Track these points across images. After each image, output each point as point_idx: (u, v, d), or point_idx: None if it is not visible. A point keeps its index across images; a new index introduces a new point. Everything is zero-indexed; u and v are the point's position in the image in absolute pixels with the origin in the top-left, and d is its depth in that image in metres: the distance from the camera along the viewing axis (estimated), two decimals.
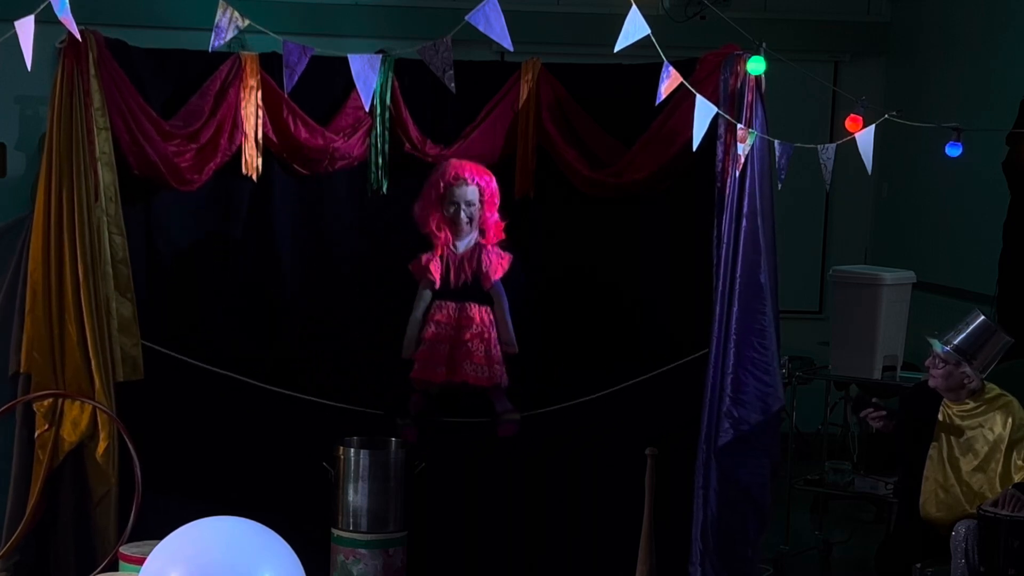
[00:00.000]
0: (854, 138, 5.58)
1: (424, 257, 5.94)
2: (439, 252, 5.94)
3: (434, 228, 5.94)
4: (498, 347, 5.93)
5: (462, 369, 5.88)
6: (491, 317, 5.94)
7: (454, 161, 5.94)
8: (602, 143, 6.09)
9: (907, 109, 6.76)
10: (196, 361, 5.98)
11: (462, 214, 5.89)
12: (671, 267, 6.09)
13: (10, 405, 5.55)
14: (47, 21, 4.41)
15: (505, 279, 5.96)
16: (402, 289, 6.10)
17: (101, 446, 5.57)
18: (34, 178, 6.06)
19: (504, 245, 5.99)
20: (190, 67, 5.95)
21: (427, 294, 5.96)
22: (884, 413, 5.71)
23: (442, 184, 5.89)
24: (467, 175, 5.88)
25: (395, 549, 5.67)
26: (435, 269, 5.91)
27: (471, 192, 5.89)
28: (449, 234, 5.93)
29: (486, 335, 5.91)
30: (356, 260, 6.29)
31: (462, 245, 5.95)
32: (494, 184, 5.93)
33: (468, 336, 5.88)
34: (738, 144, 5.53)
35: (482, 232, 5.96)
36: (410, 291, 6.00)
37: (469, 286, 5.93)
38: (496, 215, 5.95)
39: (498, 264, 5.93)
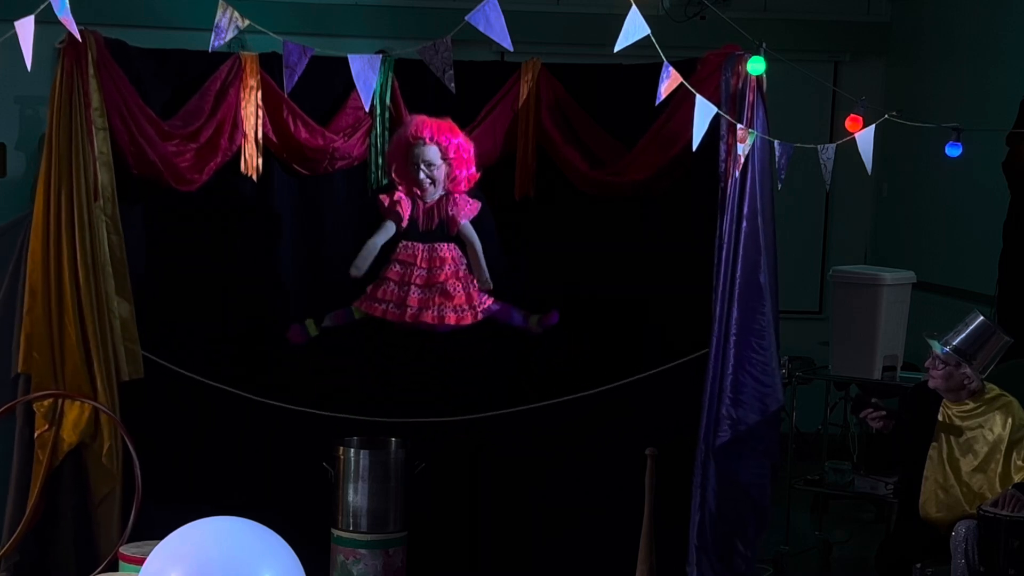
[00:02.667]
0: (854, 138, 5.58)
1: (396, 193, 5.93)
2: (405, 192, 5.92)
3: (394, 174, 5.95)
4: (475, 284, 5.94)
5: (433, 312, 5.86)
6: (461, 256, 5.94)
7: (416, 119, 5.91)
8: (602, 143, 6.09)
9: (907, 109, 6.76)
10: (193, 374, 5.96)
11: (422, 175, 5.89)
12: (670, 267, 6.08)
13: (10, 405, 5.56)
14: (47, 21, 4.41)
15: (474, 223, 5.95)
16: None
17: (105, 446, 5.58)
18: (34, 178, 6.06)
19: (473, 193, 5.99)
20: (190, 67, 5.95)
21: (391, 226, 5.93)
22: (884, 413, 5.71)
23: (404, 142, 5.90)
24: (426, 134, 5.85)
25: (395, 549, 5.68)
26: (405, 208, 5.90)
27: (430, 152, 5.87)
28: (412, 186, 5.92)
29: (461, 273, 5.93)
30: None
31: (429, 198, 5.95)
32: (459, 140, 5.89)
33: (443, 276, 5.90)
34: (738, 144, 5.53)
35: (454, 183, 5.94)
36: None
37: (435, 230, 5.94)
38: (470, 169, 5.92)
39: (465, 207, 5.93)
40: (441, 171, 5.90)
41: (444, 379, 6.11)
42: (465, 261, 5.96)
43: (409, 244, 5.95)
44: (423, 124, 5.87)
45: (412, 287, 5.90)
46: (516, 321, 6.02)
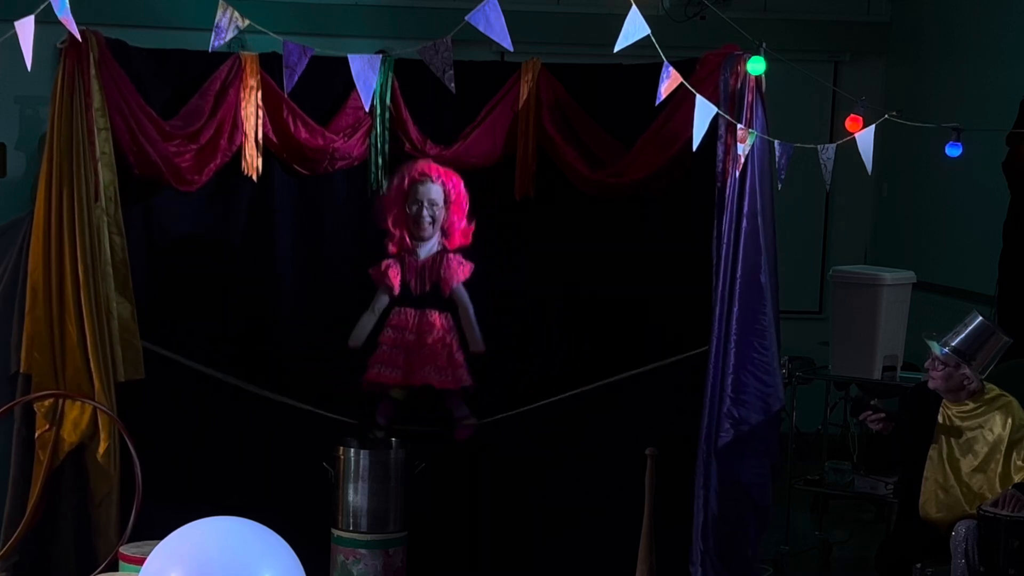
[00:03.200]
0: (854, 138, 5.58)
1: (384, 263, 5.95)
2: (396, 253, 5.94)
3: (390, 225, 5.94)
4: (460, 352, 5.94)
5: (423, 373, 5.89)
6: (451, 323, 5.95)
7: (421, 160, 5.95)
8: (602, 143, 6.09)
9: (907, 109, 6.76)
10: (195, 364, 5.97)
11: (424, 213, 5.89)
12: (670, 267, 6.08)
13: (10, 405, 5.56)
14: (47, 21, 4.41)
15: (467, 285, 5.96)
16: None
17: (102, 446, 5.57)
18: (34, 178, 6.06)
19: (468, 254, 5.99)
20: (190, 67, 5.95)
21: (384, 298, 5.97)
22: (883, 415, 5.71)
23: (407, 179, 5.90)
24: (433, 173, 5.88)
25: (395, 549, 5.68)
26: (394, 276, 5.92)
27: (435, 191, 5.88)
28: (405, 234, 5.93)
29: (448, 340, 5.93)
30: (356, 260, 6.29)
31: (423, 251, 5.95)
32: (462, 187, 5.93)
33: (431, 341, 5.91)
34: (738, 144, 5.53)
35: (446, 235, 5.96)
36: None
37: (428, 293, 5.95)
38: (463, 221, 5.95)
39: (458, 270, 5.93)
40: (441, 213, 5.90)
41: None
42: (455, 329, 5.96)
43: (402, 310, 5.97)
44: (428, 164, 5.91)
45: (403, 351, 5.93)
46: (457, 412, 6.02)
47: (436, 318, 5.94)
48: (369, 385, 5.97)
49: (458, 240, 5.97)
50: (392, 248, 5.97)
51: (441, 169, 5.91)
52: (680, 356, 5.97)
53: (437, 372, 5.90)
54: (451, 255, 5.95)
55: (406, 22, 8.88)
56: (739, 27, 5.35)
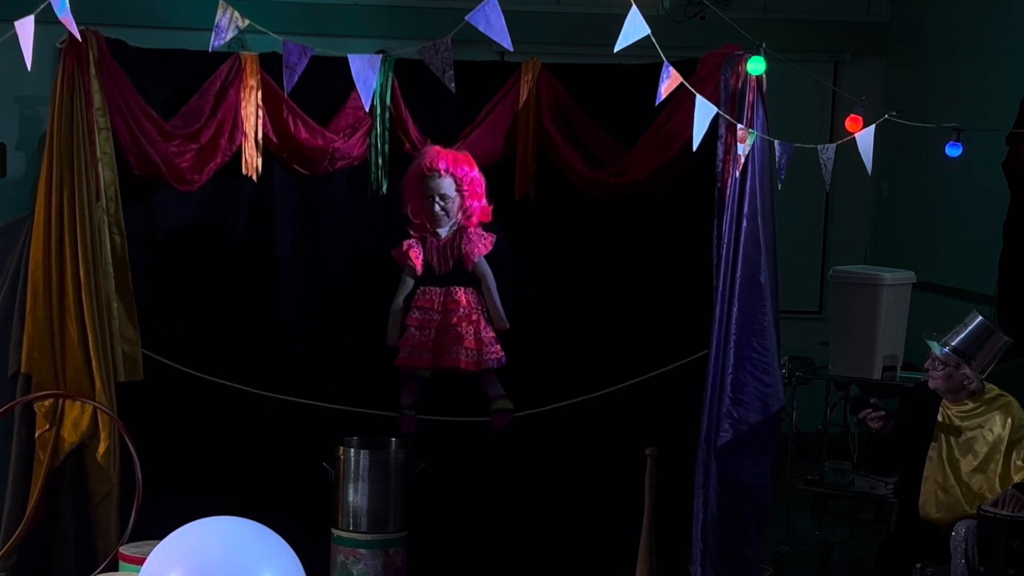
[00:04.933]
0: (854, 138, 5.58)
1: (406, 244, 5.91)
2: (418, 236, 5.92)
3: (410, 214, 5.94)
4: (488, 328, 5.89)
5: (452, 354, 5.84)
6: (478, 298, 5.91)
7: (432, 150, 5.88)
8: (602, 143, 6.09)
9: (907, 109, 6.76)
10: (193, 371, 5.96)
11: (436, 207, 5.87)
12: (670, 267, 6.08)
13: (10, 405, 5.56)
14: (47, 21, 4.41)
15: (490, 257, 5.92)
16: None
17: (102, 446, 5.57)
18: (34, 178, 6.06)
19: (488, 226, 5.95)
20: (190, 67, 5.95)
21: (409, 281, 5.93)
22: (883, 413, 5.71)
23: (418, 173, 5.88)
24: (441, 166, 5.82)
25: (395, 549, 5.68)
26: (416, 256, 5.89)
27: (446, 185, 5.85)
28: (426, 221, 5.92)
29: (474, 317, 5.88)
30: (356, 260, 6.29)
31: (444, 231, 5.93)
32: (474, 172, 5.87)
33: (455, 320, 5.85)
34: (738, 144, 5.53)
35: (466, 217, 5.92)
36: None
37: (452, 270, 5.91)
38: (482, 202, 5.89)
39: (479, 244, 5.89)
40: (455, 203, 5.88)
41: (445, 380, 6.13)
42: (481, 304, 5.92)
43: (427, 289, 5.92)
44: (438, 156, 5.84)
45: (431, 331, 5.88)
46: (491, 391, 5.97)
47: (461, 294, 5.89)
48: (402, 369, 5.93)
49: (477, 219, 5.93)
50: (417, 233, 5.95)
51: (449, 159, 5.84)
52: (683, 361, 5.96)
53: (465, 353, 5.85)
54: (472, 231, 5.90)
55: (406, 22, 8.88)
56: (739, 27, 5.35)
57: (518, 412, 6.01)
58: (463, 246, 5.87)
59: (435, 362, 5.88)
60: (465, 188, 5.86)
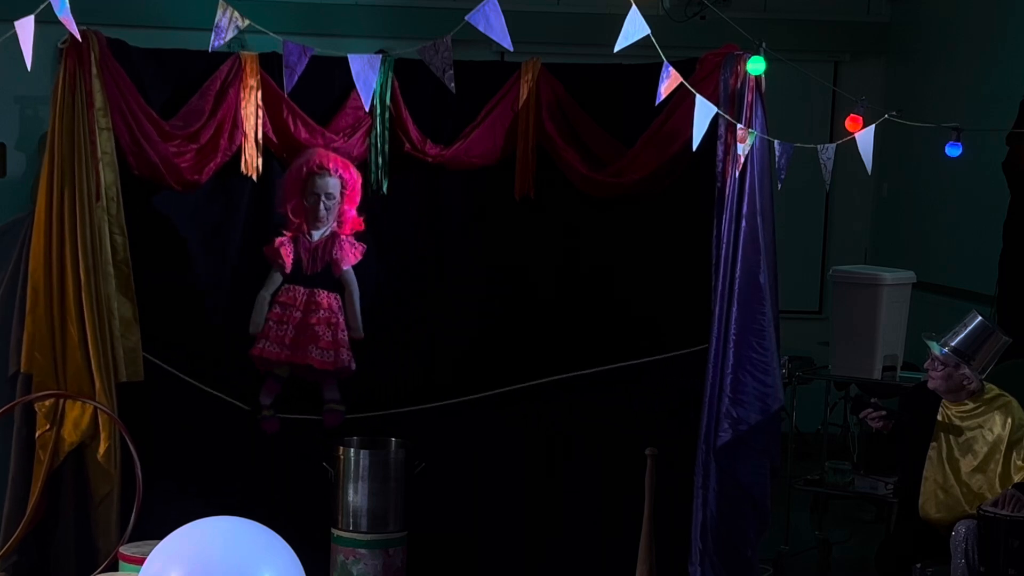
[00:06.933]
0: (854, 138, 5.58)
1: (278, 241, 5.99)
2: (290, 235, 5.99)
3: (290, 212, 5.99)
4: (345, 332, 5.98)
5: (307, 352, 5.92)
6: (339, 303, 6.00)
7: (320, 151, 5.95)
8: (602, 143, 6.08)
9: (907, 109, 6.76)
10: (192, 380, 5.97)
11: (321, 206, 5.94)
12: (670, 267, 6.08)
13: (11, 405, 5.56)
14: (47, 21, 4.41)
15: (357, 268, 6.01)
16: (404, 289, 6.12)
17: (102, 446, 5.58)
18: (34, 178, 6.07)
19: (360, 236, 6.04)
20: (190, 67, 5.95)
21: (277, 277, 6.01)
22: (883, 413, 5.72)
23: (305, 171, 5.93)
24: (331, 166, 5.91)
25: (395, 549, 5.68)
26: (287, 255, 5.97)
27: (332, 184, 5.93)
28: (303, 222, 5.98)
29: (333, 320, 5.97)
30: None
31: (317, 234, 6.00)
32: (356, 178, 5.97)
33: (315, 320, 5.94)
34: (738, 144, 5.53)
35: (339, 223, 6.01)
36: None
37: (320, 273, 5.98)
38: (354, 211, 6.00)
39: (350, 253, 5.99)
40: (336, 206, 5.96)
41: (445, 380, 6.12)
42: (342, 311, 6.00)
43: (292, 287, 6.00)
44: (327, 156, 5.93)
45: (288, 327, 5.95)
46: (327, 394, 6.03)
47: (324, 298, 5.98)
48: (256, 361, 5.97)
49: (350, 227, 6.03)
50: (290, 233, 6.00)
51: (339, 161, 5.94)
52: (679, 352, 5.96)
53: (319, 353, 5.92)
54: (344, 237, 6.00)
55: (406, 22, 8.88)
56: (739, 27, 5.35)
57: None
58: (335, 252, 5.97)
59: (290, 357, 5.93)
60: (347, 192, 5.96)
